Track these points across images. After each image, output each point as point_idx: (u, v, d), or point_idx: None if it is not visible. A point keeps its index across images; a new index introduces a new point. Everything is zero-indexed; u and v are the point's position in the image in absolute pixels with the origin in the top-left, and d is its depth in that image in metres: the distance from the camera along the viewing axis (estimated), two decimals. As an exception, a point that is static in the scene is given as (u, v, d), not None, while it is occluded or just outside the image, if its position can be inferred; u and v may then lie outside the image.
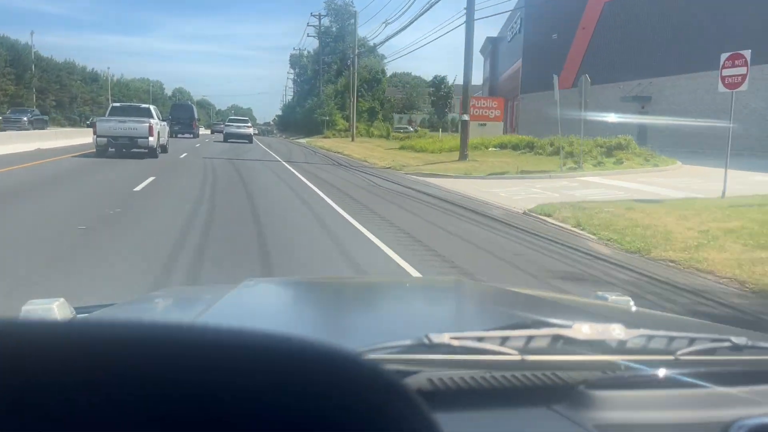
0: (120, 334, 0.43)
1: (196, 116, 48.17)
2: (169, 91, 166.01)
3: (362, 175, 18.40)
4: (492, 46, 67.19)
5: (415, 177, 18.50)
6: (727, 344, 1.00)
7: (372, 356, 0.85)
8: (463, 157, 22.15)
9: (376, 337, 0.96)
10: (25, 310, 1.28)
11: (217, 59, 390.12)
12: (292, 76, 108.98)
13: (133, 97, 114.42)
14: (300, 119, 71.22)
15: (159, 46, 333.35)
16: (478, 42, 66.21)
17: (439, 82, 35.23)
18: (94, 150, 20.15)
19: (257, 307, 1.58)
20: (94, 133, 20.11)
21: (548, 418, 0.85)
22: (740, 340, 1.00)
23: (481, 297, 1.91)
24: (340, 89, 64.20)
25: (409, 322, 1.42)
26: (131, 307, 1.66)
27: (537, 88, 45.50)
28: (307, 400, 0.42)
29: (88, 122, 55.13)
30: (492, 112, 30.79)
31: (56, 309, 1.28)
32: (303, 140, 54.07)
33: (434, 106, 36.85)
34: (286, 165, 21.14)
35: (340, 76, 66.50)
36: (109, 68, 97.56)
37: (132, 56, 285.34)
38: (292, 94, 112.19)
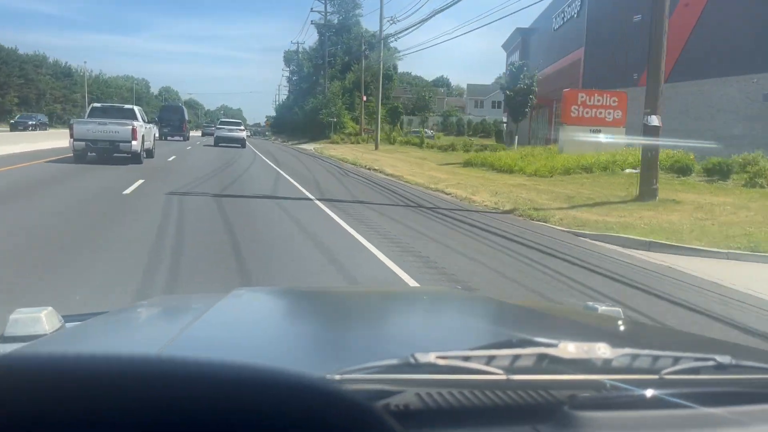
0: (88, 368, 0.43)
1: (186, 118, 45.30)
2: (155, 90, 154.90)
3: (505, 244, 8.27)
4: (521, 39, 57.30)
5: (612, 248, 8.43)
6: (711, 363, 0.99)
7: (357, 376, 0.84)
8: (649, 194, 11.81)
9: (363, 353, 0.99)
10: (12, 319, 1.25)
11: (206, 60, 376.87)
12: (286, 74, 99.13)
13: (113, 95, 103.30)
14: (300, 121, 60.95)
15: (146, 46, 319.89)
16: (502, 33, 57.01)
17: (516, 71, 24.11)
18: (72, 155, 17.55)
19: (245, 318, 1.51)
20: (71, 136, 17.52)
21: None
22: (724, 359, 0.99)
23: (470, 311, 1.86)
24: (349, 86, 53.93)
25: (396, 338, 1.39)
26: (121, 316, 1.60)
27: (608, 84, 35.69)
28: (274, 428, 0.43)
29: (12, 120, 44.32)
30: (610, 114, 20.67)
31: (44, 318, 1.24)
32: (308, 146, 43.75)
33: (508, 105, 26.11)
34: (329, 211, 10.80)
35: (347, 72, 56.25)
36: (85, 62, 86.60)
37: (119, 56, 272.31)
38: (286, 93, 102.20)
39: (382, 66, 35.01)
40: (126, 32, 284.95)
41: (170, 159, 22.16)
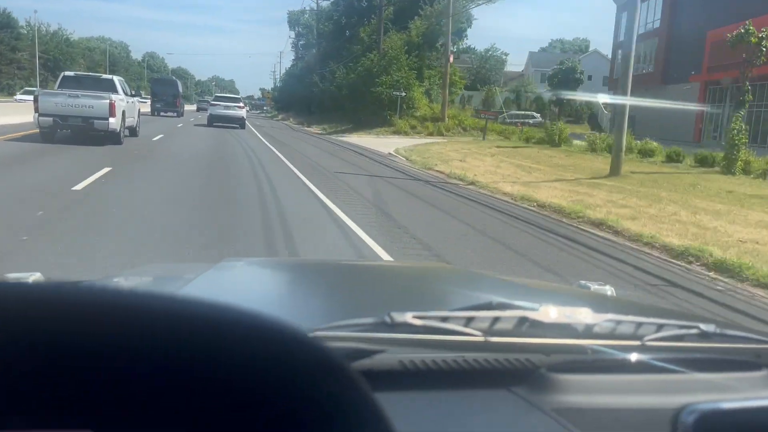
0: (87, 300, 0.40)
1: (180, 92, 40.43)
2: (137, 56, 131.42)
3: None
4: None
5: None
6: (695, 331, 0.94)
7: (333, 333, 0.81)
8: None
9: (340, 315, 0.95)
10: None
11: (194, 29, 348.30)
12: (292, 39, 77.38)
13: (77, 57, 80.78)
14: (323, 96, 39.97)
15: (128, 12, 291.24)
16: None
17: None
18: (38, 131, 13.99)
19: (230, 286, 1.46)
20: (36, 110, 13.97)
21: (507, 400, 0.81)
22: (708, 328, 0.95)
23: (455, 280, 1.78)
24: (417, 40, 32.65)
25: (377, 302, 1.33)
26: (107, 283, 1.47)
27: None
28: (243, 369, 0.41)
29: None
30: None
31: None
32: (371, 143, 22.71)
33: None
34: None
35: (405, 22, 34.76)
36: (36, 12, 64.08)
37: (98, 21, 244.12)
38: (292, 60, 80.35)
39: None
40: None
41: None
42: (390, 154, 18.80)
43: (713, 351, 0.95)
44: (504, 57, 61.05)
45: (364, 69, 29.75)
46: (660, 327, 0.93)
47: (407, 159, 17.16)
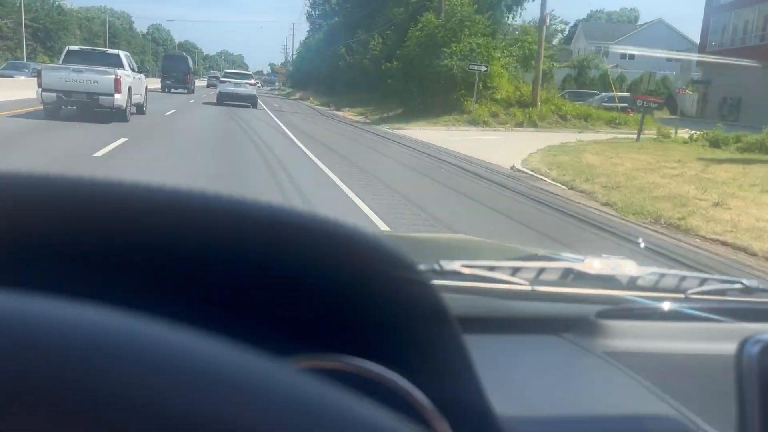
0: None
1: (191, 68, 38.19)
2: (142, 28, 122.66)
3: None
4: None
5: None
6: (738, 286, 0.95)
7: None
8: None
9: None
10: None
11: (200, 4, 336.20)
12: (307, 8, 68.63)
13: (72, 27, 72.41)
14: (360, 73, 32.01)
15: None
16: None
17: None
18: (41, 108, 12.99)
19: None
20: (39, 85, 12.97)
21: (558, 343, 0.82)
22: (751, 283, 0.95)
23: (493, 245, 1.80)
24: (490, -3, 24.33)
25: (422, 254, 1.27)
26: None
27: None
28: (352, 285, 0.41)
29: None
30: None
31: None
32: (471, 145, 14.52)
33: None
34: None
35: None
36: (21, -25, 55.44)
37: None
38: (306, 33, 71.67)
39: None
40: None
41: None
42: (519, 170, 10.79)
43: (756, 305, 0.94)
44: (563, 26, 52.22)
45: (423, 35, 21.52)
46: (703, 281, 0.93)
47: (570, 188, 9.15)
